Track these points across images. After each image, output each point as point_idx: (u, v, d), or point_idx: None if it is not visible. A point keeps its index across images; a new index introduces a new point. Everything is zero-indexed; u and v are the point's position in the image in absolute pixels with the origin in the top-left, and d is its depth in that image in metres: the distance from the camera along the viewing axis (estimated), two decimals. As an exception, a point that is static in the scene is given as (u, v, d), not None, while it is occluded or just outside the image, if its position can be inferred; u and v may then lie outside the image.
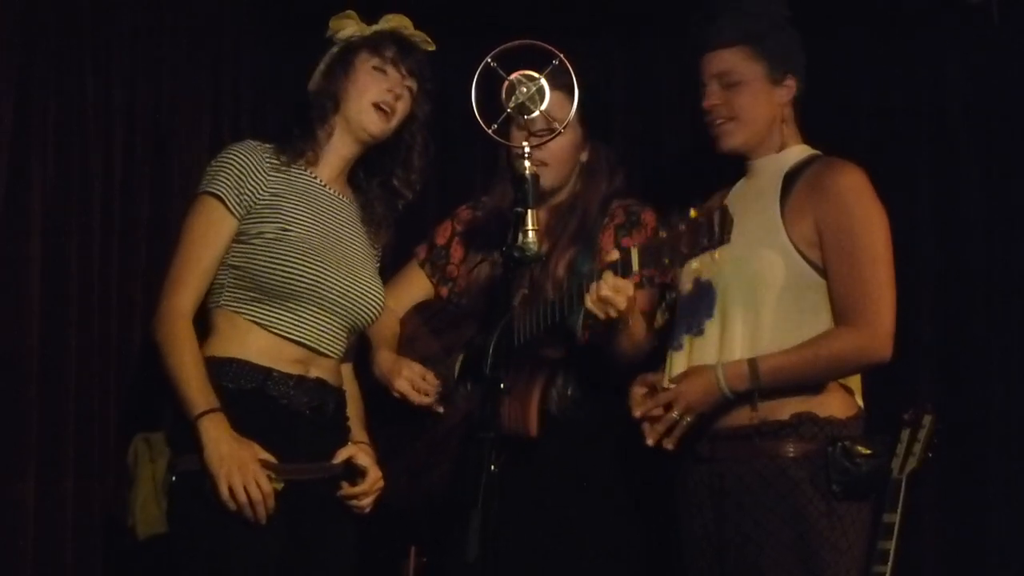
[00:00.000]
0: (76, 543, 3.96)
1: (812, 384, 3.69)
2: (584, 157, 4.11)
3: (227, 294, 3.73)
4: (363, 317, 3.86)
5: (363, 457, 3.84)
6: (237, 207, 3.73)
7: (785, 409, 3.70)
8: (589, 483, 4.02)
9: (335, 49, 3.90)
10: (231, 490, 3.55)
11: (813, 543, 3.64)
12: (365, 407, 3.98)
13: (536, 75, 3.49)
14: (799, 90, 3.89)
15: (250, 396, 3.67)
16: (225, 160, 3.77)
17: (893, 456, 4.01)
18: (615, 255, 3.59)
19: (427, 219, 4.50)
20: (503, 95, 3.50)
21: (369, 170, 3.97)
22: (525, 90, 3.49)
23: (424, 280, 4.28)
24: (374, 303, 3.87)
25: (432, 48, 3.93)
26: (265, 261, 3.71)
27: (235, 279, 3.73)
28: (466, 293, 4.18)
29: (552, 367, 3.95)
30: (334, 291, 3.76)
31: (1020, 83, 4.47)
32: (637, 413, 3.75)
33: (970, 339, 4.52)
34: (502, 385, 3.27)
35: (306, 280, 3.72)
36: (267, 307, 3.72)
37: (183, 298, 3.68)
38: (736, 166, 3.92)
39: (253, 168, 3.77)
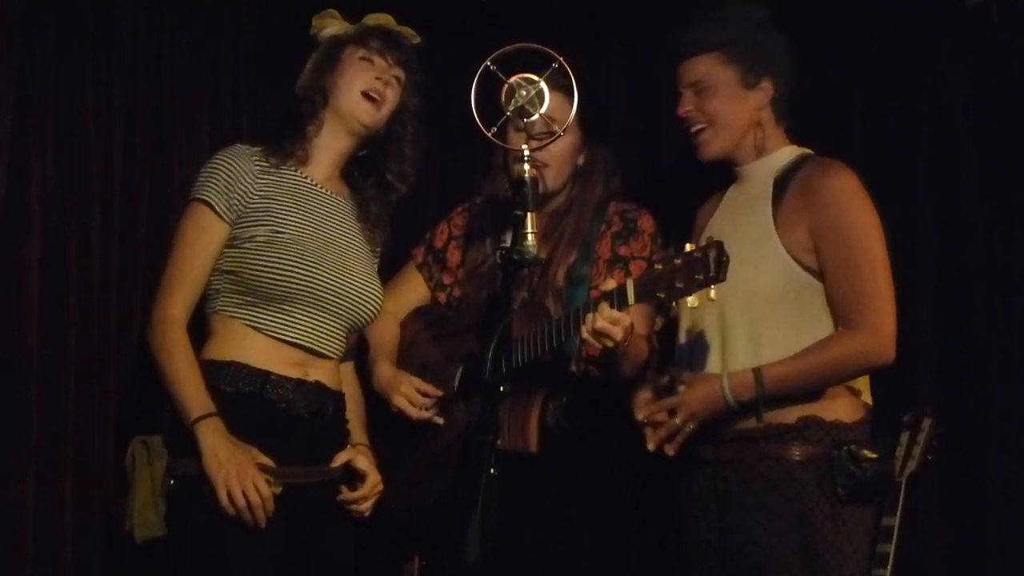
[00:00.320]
0: (76, 543, 3.95)
1: (817, 389, 3.69)
2: (582, 160, 4.10)
3: (223, 299, 3.74)
4: (361, 316, 3.86)
5: (362, 461, 3.84)
6: (227, 212, 3.73)
7: (791, 413, 3.71)
8: (589, 487, 4.01)
9: (321, 46, 3.92)
10: (230, 495, 3.55)
11: (818, 547, 3.64)
12: (366, 408, 4.00)
13: (535, 78, 3.50)
14: (779, 92, 3.87)
15: (248, 399, 3.68)
16: (213, 167, 3.78)
17: (892, 459, 4.01)
18: (610, 285, 3.56)
19: (427, 219, 4.50)
20: (503, 98, 3.50)
21: (363, 169, 3.97)
22: (525, 93, 3.50)
23: (422, 284, 4.28)
24: (371, 302, 3.88)
25: (418, 41, 3.94)
26: (258, 265, 3.71)
27: (230, 284, 3.73)
28: (464, 299, 4.16)
29: (551, 383, 3.93)
30: (330, 291, 3.76)
31: (1020, 83, 4.46)
32: (639, 416, 3.75)
33: (970, 339, 4.51)
34: (501, 388, 3.28)
35: (300, 281, 3.72)
36: (263, 311, 3.72)
37: (175, 306, 3.70)
38: (728, 169, 3.93)
39: (242, 172, 3.77)
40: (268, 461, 3.63)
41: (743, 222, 3.53)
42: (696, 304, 3.41)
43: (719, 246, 3.34)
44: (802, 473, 3.67)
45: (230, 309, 3.74)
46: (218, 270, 3.75)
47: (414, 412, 4.03)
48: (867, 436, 3.74)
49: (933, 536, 4.47)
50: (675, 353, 3.94)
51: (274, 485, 3.60)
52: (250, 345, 3.72)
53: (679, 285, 3.39)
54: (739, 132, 3.85)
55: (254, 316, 3.73)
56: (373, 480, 3.84)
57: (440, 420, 4.04)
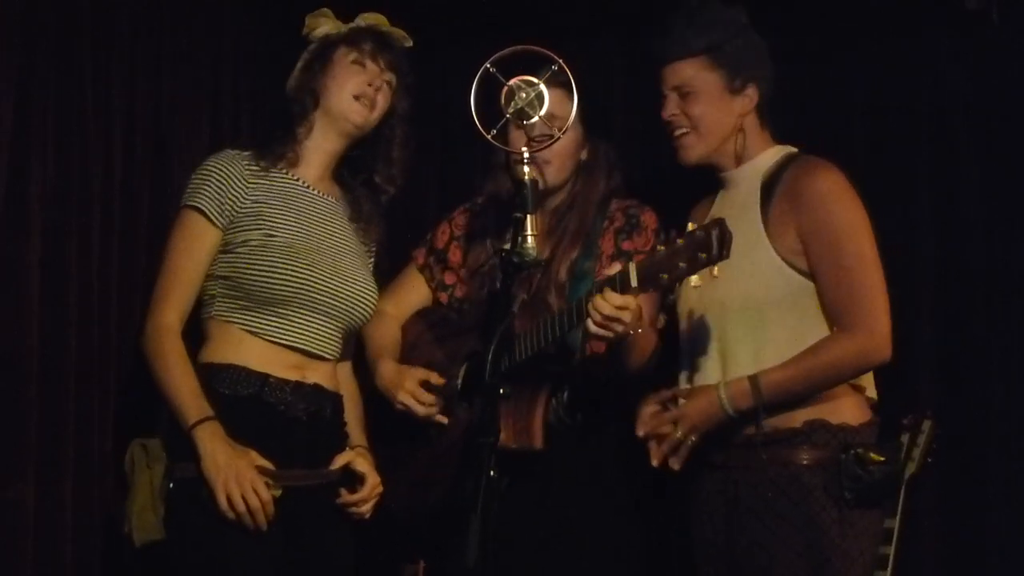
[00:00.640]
0: (76, 544, 3.96)
1: (816, 392, 3.69)
2: (584, 155, 4.10)
3: (218, 304, 3.75)
4: (357, 317, 3.86)
5: (361, 463, 3.84)
6: (220, 218, 3.74)
7: (797, 416, 3.69)
8: (590, 486, 4.00)
9: (312, 46, 3.91)
10: (230, 499, 3.55)
11: (825, 551, 3.63)
12: (365, 410, 3.99)
13: (535, 80, 3.49)
14: (763, 97, 3.86)
15: (247, 402, 3.68)
16: (204, 172, 3.79)
17: (899, 461, 4.00)
18: (613, 270, 3.56)
19: (427, 219, 4.50)
20: (502, 100, 3.50)
21: (352, 169, 3.97)
22: (524, 95, 3.49)
23: (423, 285, 4.26)
24: (367, 302, 3.88)
25: (410, 43, 3.94)
26: (252, 269, 3.72)
27: (224, 289, 3.74)
28: (466, 299, 4.15)
29: (554, 380, 3.92)
30: (325, 293, 3.77)
31: (1020, 83, 4.46)
32: (640, 433, 3.74)
33: (970, 339, 4.51)
34: (501, 390, 3.27)
35: (295, 284, 3.72)
36: (258, 315, 3.72)
37: (169, 314, 3.71)
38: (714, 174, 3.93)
39: (233, 177, 3.77)
40: (267, 464, 3.63)
41: (734, 229, 3.52)
42: (699, 283, 3.41)
43: (721, 223, 3.35)
44: (809, 477, 3.66)
45: (226, 314, 3.74)
46: (212, 275, 3.75)
47: (420, 409, 4.00)
48: (874, 439, 3.73)
49: (933, 537, 4.47)
50: (677, 364, 3.94)
51: (273, 488, 3.60)
52: (247, 349, 3.72)
53: (682, 265, 3.39)
54: (721, 138, 3.84)
55: (250, 320, 3.73)
56: (372, 482, 3.84)
57: (444, 420, 4.01)
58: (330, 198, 3.92)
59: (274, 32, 4.71)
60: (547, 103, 3.49)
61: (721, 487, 3.77)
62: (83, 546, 4.00)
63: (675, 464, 3.70)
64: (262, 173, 3.82)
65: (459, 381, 4.04)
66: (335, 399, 3.85)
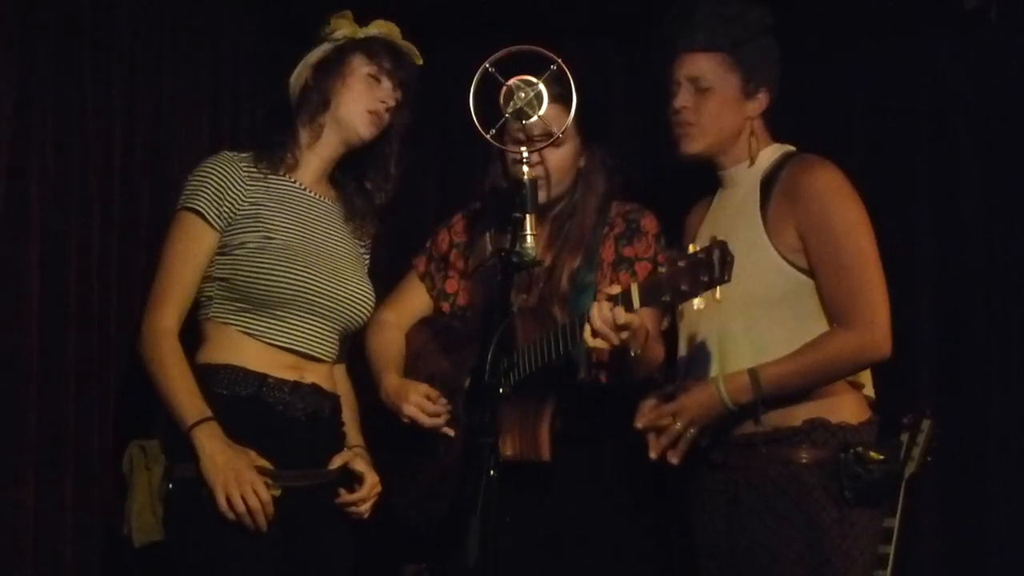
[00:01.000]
0: (76, 544, 3.94)
1: (814, 388, 3.68)
2: (582, 162, 4.07)
3: (215, 306, 3.75)
4: (353, 319, 3.86)
5: (360, 463, 3.84)
6: (217, 220, 3.74)
7: (797, 415, 3.70)
8: (590, 487, 3.99)
9: (328, 47, 3.90)
10: (229, 500, 3.56)
11: (825, 550, 3.64)
12: (369, 419, 3.99)
13: (534, 80, 3.50)
14: (771, 102, 3.86)
15: (245, 403, 3.68)
16: (203, 174, 3.79)
17: (899, 460, 4.01)
18: (615, 290, 3.53)
19: (427, 220, 4.51)
20: (501, 100, 3.50)
21: (343, 170, 3.97)
22: (523, 95, 3.50)
23: (425, 294, 4.23)
24: (363, 305, 3.88)
25: (421, 62, 3.95)
26: (250, 271, 3.72)
27: (222, 291, 3.74)
28: (469, 307, 4.13)
29: (558, 390, 3.89)
30: (322, 295, 3.77)
31: (1020, 83, 4.46)
32: (639, 424, 3.74)
33: (970, 339, 4.52)
34: (501, 390, 3.27)
35: (292, 287, 3.72)
36: (255, 317, 3.73)
37: (166, 316, 3.71)
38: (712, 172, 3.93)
39: (231, 179, 3.78)
40: (266, 464, 3.63)
41: (734, 228, 3.52)
42: (702, 306, 3.40)
43: (723, 246, 3.31)
44: (809, 476, 3.67)
45: (223, 315, 3.75)
46: (209, 277, 3.75)
47: (427, 420, 3.96)
48: (873, 437, 3.73)
49: (933, 536, 4.48)
50: (676, 363, 3.93)
51: (272, 488, 3.61)
52: (244, 350, 3.72)
53: (684, 288, 3.36)
54: (725, 138, 3.84)
55: (247, 322, 3.73)
56: (371, 482, 3.84)
57: (451, 432, 3.97)
58: (326, 200, 3.93)
59: (274, 32, 4.71)
60: (546, 103, 3.49)
61: (721, 487, 3.77)
62: (83, 546, 3.99)
63: (673, 458, 3.70)
64: (260, 176, 3.83)
65: (465, 393, 4.01)
66: (333, 400, 3.85)
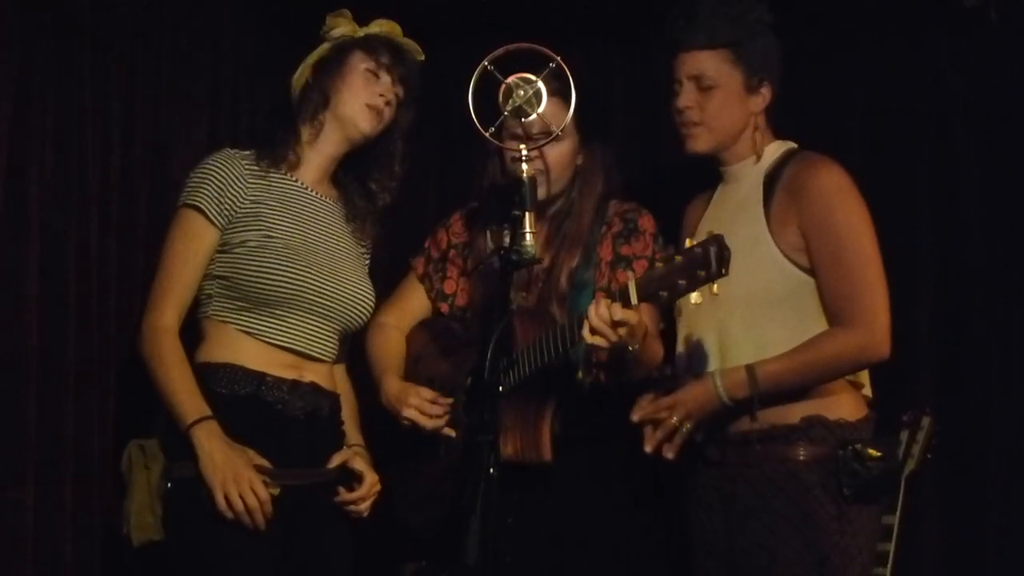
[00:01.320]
0: (76, 545, 3.95)
1: (812, 387, 3.68)
2: (580, 160, 4.06)
3: (215, 304, 3.75)
4: (353, 319, 3.86)
5: (359, 462, 3.84)
6: (218, 218, 3.74)
7: (794, 412, 3.69)
8: (590, 485, 3.98)
9: (327, 45, 3.90)
10: (227, 499, 3.56)
11: (823, 548, 3.63)
12: (370, 422, 3.99)
13: (533, 78, 3.50)
14: (774, 97, 3.85)
15: (244, 401, 3.68)
16: (204, 171, 3.78)
17: (897, 457, 4.01)
18: (613, 287, 3.54)
19: (427, 220, 4.50)
20: (500, 98, 3.50)
21: (347, 170, 3.97)
22: (522, 93, 3.50)
23: (423, 296, 4.21)
24: (363, 305, 3.88)
25: (422, 58, 3.94)
26: (250, 270, 3.72)
27: (221, 289, 3.74)
28: (468, 307, 4.12)
29: (559, 391, 3.89)
30: (321, 295, 3.77)
31: (1020, 83, 4.46)
32: (635, 418, 3.73)
33: (970, 339, 4.51)
34: (500, 388, 3.27)
35: (292, 286, 3.72)
36: (255, 315, 3.73)
37: (166, 314, 3.71)
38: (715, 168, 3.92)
39: (233, 177, 3.78)
40: (265, 462, 3.63)
41: (736, 224, 3.51)
42: (700, 300, 3.40)
43: (720, 240, 3.31)
44: (807, 474, 3.66)
45: (222, 314, 3.75)
46: (209, 275, 3.75)
47: (427, 423, 3.94)
48: (871, 435, 3.73)
49: (933, 536, 4.47)
50: (675, 361, 3.93)
51: (271, 487, 3.61)
52: (244, 349, 3.72)
53: (681, 283, 3.36)
54: (731, 135, 3.83)
55: (246, 320, 3.73)
56: (370, 481, 3.84)
57: (452, 433, 3.97)
58: (328, 200, 3.92)
59: (274, 32, 4.71)
60: (544, 101, 3.49)
61: (718, 484, 3.77)
62: (83, 546, 3.99)
63: (669, 452, 3.69)
64: (261, 174, 3.83)
65: (465, 395, 4.00)
66: (332, 398, 3.85)
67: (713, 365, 3.74)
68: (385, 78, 3.87)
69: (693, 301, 3.40)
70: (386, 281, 4.23)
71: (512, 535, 3.49)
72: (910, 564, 4.22)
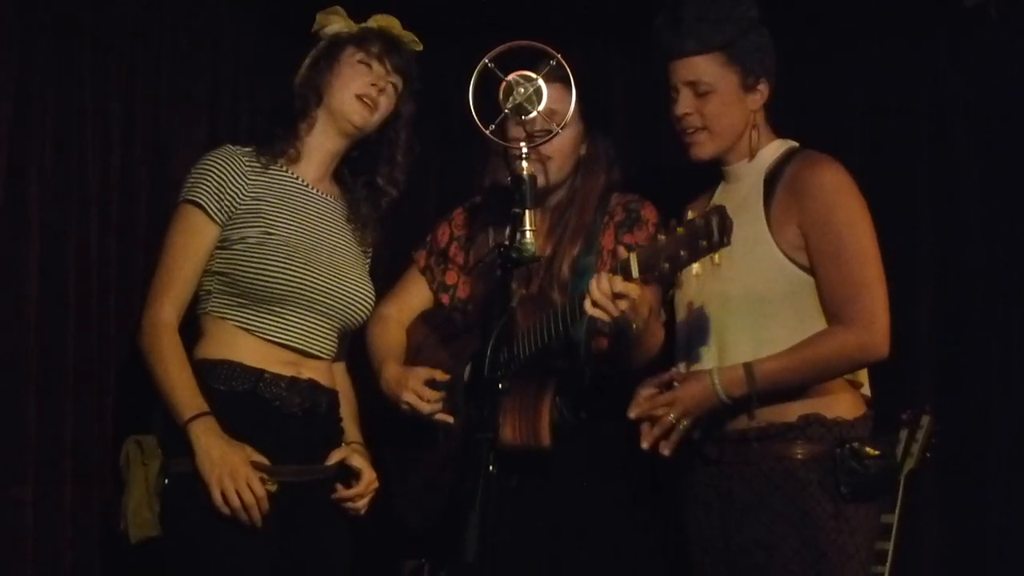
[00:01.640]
0: (75, 544, 3.96)
1: (810, 385, 3.68)
2: (583, 150, 4.08)
3: (214, 300, 3.75)
4: (353, 317, 3.86)
5: (357, 459, 3.84)
6: (218, 214, 3.74)
7: (793, 410, 3.68)
8: (589, 478, 3.98)
9: (321, 43, 3.91)
10: (224, 495, 3.56)
11: (821, 545, 3.62)
12: (368, 414, 3.99)
13: (534, 75, 3.49)
14: (772, 92, 3.85)
15: (242, 398, 3.68)
16: (204, 167, 3.79)
17: (895, 455, 4.01)
18: (614, 263, 3.54)
19: (426, 219, 4.50)
20: (500, 95, 3.50)
21: (353, 170, 3.97)
22: (523, 90, 3.50)
23: (425, 288, 4.22)
24: (363, 302, 3.88)
25: (420, 48, 3.95)
26: (249, 266, 3.72)
27: (221, 285, 3.74)
28: (469, 299, 4.12)
29: (559, 377, 3.90)
30: (320, 292, 3.77)
31: (1020, 83, 4.46)
32: (632, 414, 3.73)
33: (970, 339, 4.51)
34: (500, 386, 3.27)
35: (291, 283, 3.72)
36: (254, 312, 3.73)
37: (166, 309, 3.71)
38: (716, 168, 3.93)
39: (233, 173, 3.78)
40: (263, 459, 3.63)
41: (736, 224, 3.51)
42: (700, 272, 3.39)
43: (722, 211, 3.32)
44: (805, 472, 3.65)
45: (221, 310, 3.75)
46: (209, 271, 3.75)
47: (425, 407, 3.95)
48: (869, 433, 3.72)
49: (933, 535, 4.47)
50: (674, 358, 3.93)
51: (269, 483, 3.61)
52: (242, 346, 3.72)
53: (683, 254, 3.36)
54: (735, 135, 3.82)
55: (245, 317, 3.73)
56: (368, 478, 3.84)
57: (449, 419, 3.97)
58: (329, 198, 3.92)
59: (274, 32, 4.72)
60: (546, 98, 3.49)
61: (716, 482, 3.76)
62: (82, 546, 4.00)
63: (665, 449, 3.68)
64: (262, 170, 3.83)
65: (464, 382, 4.02)
66: (331, 395, 3.85)
67: (713, 363, 3.74)
68: (378, 68, 3.87)
69: (694, 272, 3.40)
70: (386, 279, 4.23)
71: (510, 525, 3.49)
72: (910, 564, 4.22)
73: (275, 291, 3.71)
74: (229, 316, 3.74)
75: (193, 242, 3.74)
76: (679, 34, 3.77)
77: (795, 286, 3.69)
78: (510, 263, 3.45)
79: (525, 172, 3.51)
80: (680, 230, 3.38)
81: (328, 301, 3.79)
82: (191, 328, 3.77)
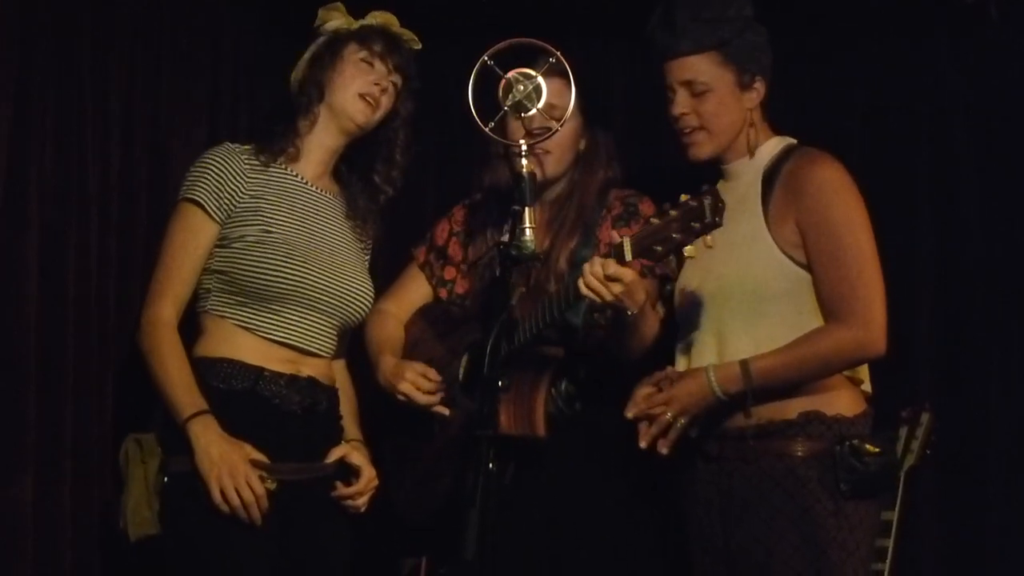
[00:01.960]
0: (75, 543, 3.95)
1: (806, 382, 3.68)
2: (583, 145, 4.09)
3: (213, 299, 3.75)
4: (352, 315, 3.86)
5: (356, 456, 3.85)
6: (217, 212, 3.74)
7: (792, 408, 3.68)
8: (587, 473, 3.98)
9: (321, 39, 3.91)
10: (223, 493, 3.56)
11: (821, 543, 3.62)
12: (366, 408, 3.99)
13: (533, 73, 3.50)
14: (768, 89, 3.85)
15: (242, 396, 3.69)
16: (204, 165, 3.79)
17: (895, 452, 4.01)
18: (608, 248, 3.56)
19: (426, 218, 4.50)
20: (500, 93, 3.51)
21: (350, 166, 3.97)
22: (522, 88, 3.51)
23: (424, 283, 4.24)
24: (362, 300, 3.88)
25: (419, 47, 3.95)
26: (248, 264, 3.72)
27: (220, 284, 3.75)
28: (467, 294, 4.14)
29: (554, 367, 3.91)
30: (320, 290, 3.77)
31: (1020, 83, 4.46)
32: (630, 414, 3.72)
33: (970, 339, 4.52)
34: (500, 383, 3.27)
35: (290, 281, 3.73)
36: (253, 310, 3.73)
37: (165, 308, 3.71)
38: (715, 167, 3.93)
39: (232, 171, 3.78)
40: (262, 457, 3.63)
41: (734, 221, 3.51)
42: (694, 254, 3.40)
43: (714, 191, 3.34)
44: (805, 469, 3.65)
45: (220, 308, 3.75)
46: (208, 270, 3.76)
47: (421, 397, 3.97)
48: (869, 430, 3.72)
49: (933, 535, 4.47)
50: (674, 357, 3.93)
51: (268, 481, 3.61)
52: (241, 344, 3.73)
53: (676, 236, 3.37)
54: (732, 134, 3.82)
55: (244, 315, 3.73)
56: (368, 475, 3.84)
57: (445, 411, 3.99)
58: (328, 195, 3.93)
59: (274, 32, 4.72)
60: (545, 95, 3.50)
61: (715, 480, 3.76)
62: (82, 546, 3.99)
63: (663, 447, 3.68)
64: (261, 168, 3.83)
65: (461, 373, 4.03)
66: (330, 393, 3.85)
67: (711, 361, 3.74)
68: (380, 67, 3.88)
69: (687, 255, 3.40)
70: (385, 277, 4.24)
71: (509, 521, 3.48)
72: (910, 564, 4.22)
73: (274, 289, 3.72)
74: (228, 314, 3.74)
75: (192, 240, 3.74)
76: (674, 34, 3.78)
77: (793, 283, 3.69)
78: (509, 260, 3.46)
79: (525, 170, 3.52)
80: (673, 212, 3.39)
81: (327, 299, 3.79)
82: (190, 326, 3.77)
